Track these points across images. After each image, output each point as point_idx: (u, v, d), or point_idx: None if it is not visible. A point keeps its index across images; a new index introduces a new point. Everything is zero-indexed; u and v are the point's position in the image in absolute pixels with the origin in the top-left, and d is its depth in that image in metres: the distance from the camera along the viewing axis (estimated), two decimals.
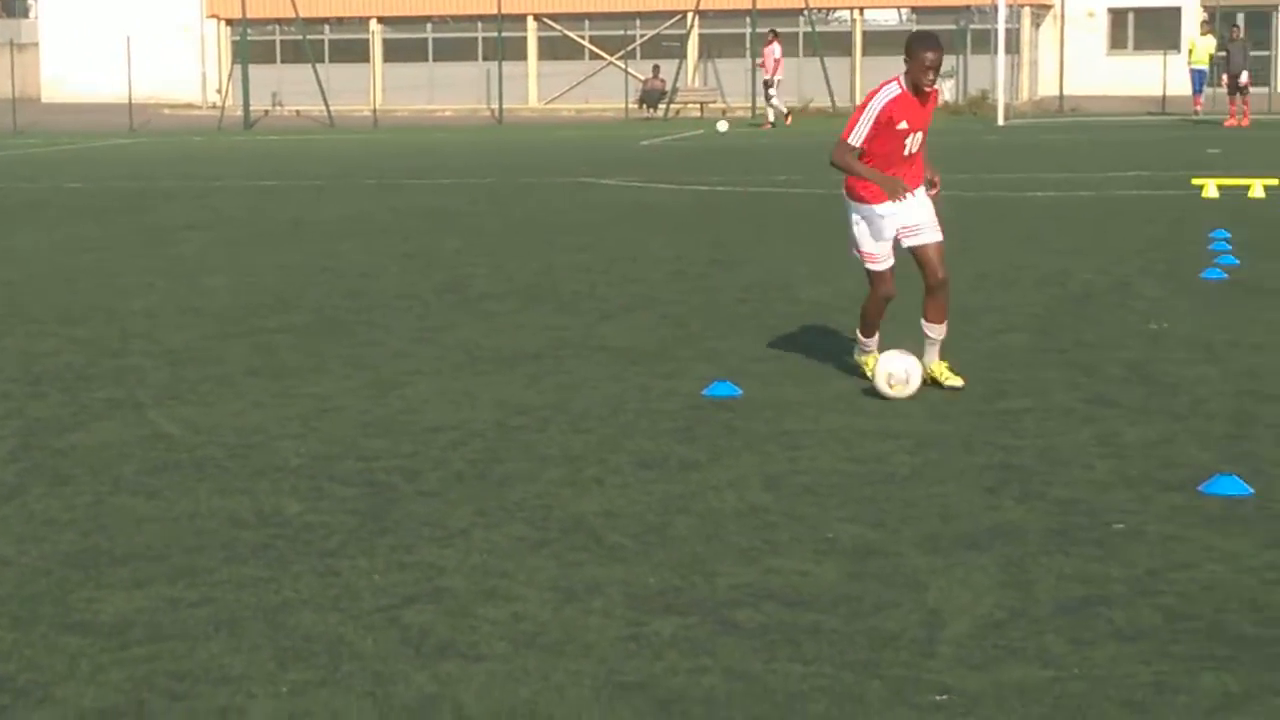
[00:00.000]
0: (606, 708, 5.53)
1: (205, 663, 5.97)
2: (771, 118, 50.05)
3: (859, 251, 10.94)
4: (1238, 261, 16.30)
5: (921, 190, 10.82)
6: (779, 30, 53.55)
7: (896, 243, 10.83)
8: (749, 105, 57.84)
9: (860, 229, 10.88)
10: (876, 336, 11.02)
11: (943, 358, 10.79)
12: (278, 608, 6.54)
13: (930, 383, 10.53)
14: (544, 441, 9.35)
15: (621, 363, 11.72)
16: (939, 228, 10.83)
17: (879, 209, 10.68)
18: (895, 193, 10.40)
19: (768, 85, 50.07)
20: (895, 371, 10.39)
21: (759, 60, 51.46)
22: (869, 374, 10.69)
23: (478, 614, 6.43)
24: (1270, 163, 28.62)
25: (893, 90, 10.59)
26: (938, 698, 5.56)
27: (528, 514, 7.85)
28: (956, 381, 10.64)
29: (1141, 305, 13.93)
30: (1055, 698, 5.55)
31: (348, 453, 9.14)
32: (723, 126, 46.17)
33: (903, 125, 10.48)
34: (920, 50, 10.51)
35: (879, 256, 10.88)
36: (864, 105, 10.63)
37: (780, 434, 9.44)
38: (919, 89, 10.53)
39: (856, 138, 10.55)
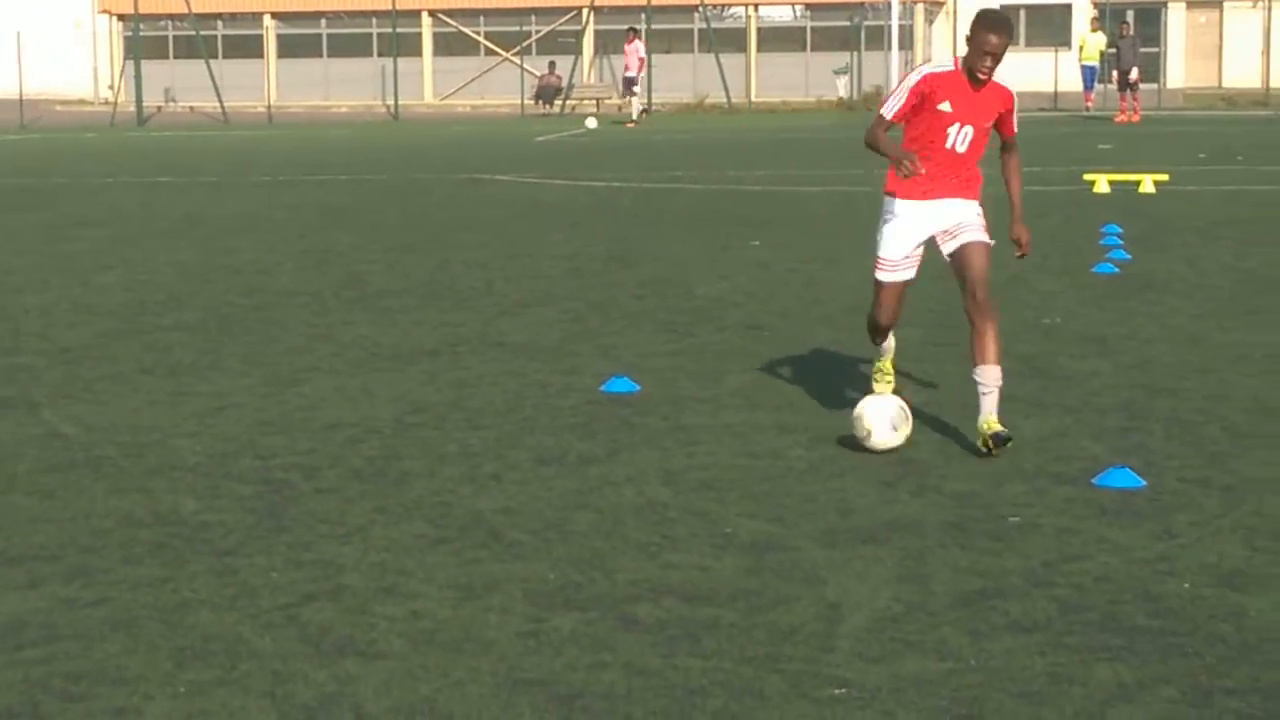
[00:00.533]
0: (506, 704, 5.53)
1: (101, 663, 5.92)
2: (634, 114, 49.48)
3: (875, 256, 9.50)
4: (1129, 256, 16.46)
5: (967, 205, 9.28)
6: (636, 28, 53.65)
7: (925, 260, 9.58)
8: (644, 101, 57.88)
9: (882, 229, 9.41)
10: (890, 340, 9.86)
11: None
12: (175, 607, 6.50)
13: (984, 446, 8.77)
14: (442, 438, 9.33)
15: (519, 359, 11.72)
16: (985, 230, 9.30)
17: (899, 205, 9.30)
18: (904, 167, 8.92)
19: (631, 83, 49.34)
20: (866, 423, 8.90)
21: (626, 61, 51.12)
22: (881, 380, 9.83)
23: (376, 611, 6.41)
24: (1160, 158, 28.94)
25: (942, 66, 9.18)
26: (836, 691, 5.59)
27: (426, 511, 7.83)
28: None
29: (1035, 300, 14.05)
30: (952, 690, 5.59)
31: (244, 451, 9.09)
32: (591, 123, 45.74)
33: (945, 107, 9.04)
34: (981, 32, 8.94)
35: (886, 263, 9.44)
36: (905, 77, 9.35)
37: (678, 429, 9.46)
38: (973, 74, 9.02)
39: (889, 110, 9.23)
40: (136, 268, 17.13)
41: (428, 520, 7.68)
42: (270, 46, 64.76)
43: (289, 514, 7.81)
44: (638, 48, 48.96)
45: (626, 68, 49.80)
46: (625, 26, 61.10)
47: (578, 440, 9.24)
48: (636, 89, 49.08)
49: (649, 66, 57.44)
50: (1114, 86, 48.33)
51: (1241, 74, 61.80)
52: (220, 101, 56.80)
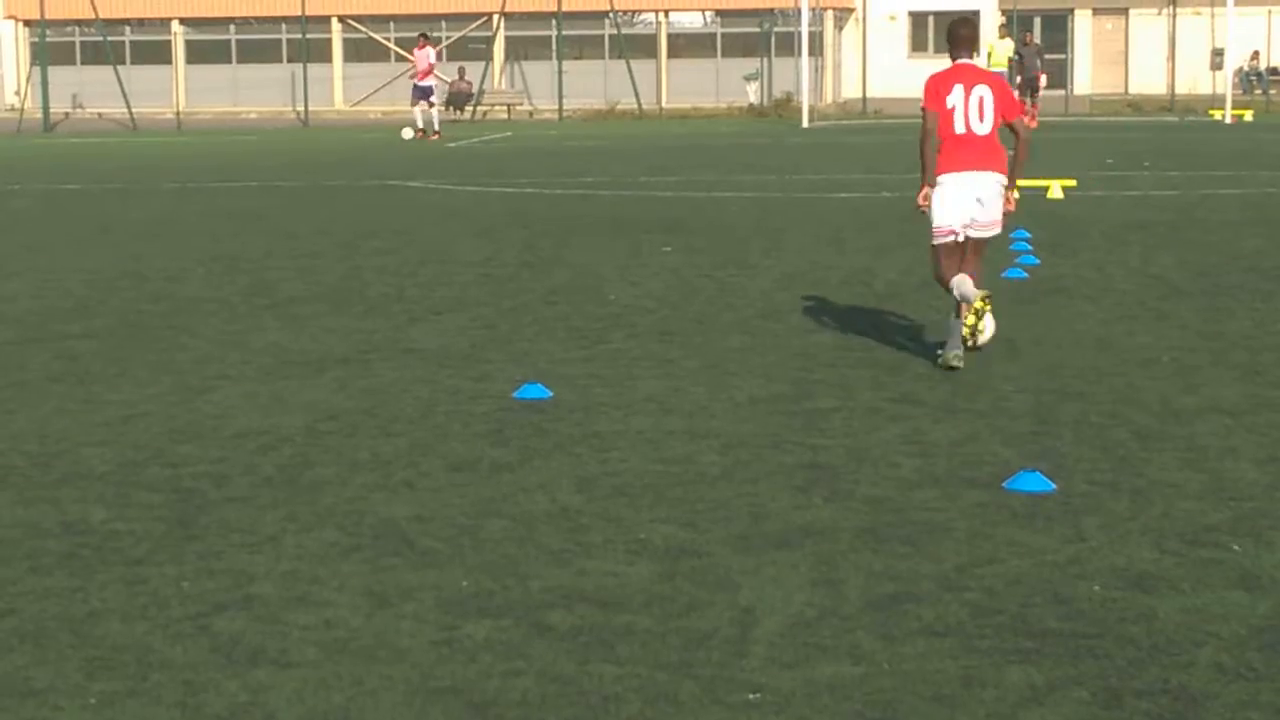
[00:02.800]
0: (420, 712, 5.51)
1: (9, 675, 5.86)
2: (437, 125, 45.80)
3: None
4: (1038, 261, 16.58)
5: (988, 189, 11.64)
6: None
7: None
8: (555, 108, 57.90)
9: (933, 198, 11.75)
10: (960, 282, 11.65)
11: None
12: (84, 618, 6.44)
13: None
14: (354, 446, 9.30)
15: (431, 366, 11.69)
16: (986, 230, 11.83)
17: (942, 178, 11.60)
18: (921, 194, 11.75)
19: (425, 92, 45.81)
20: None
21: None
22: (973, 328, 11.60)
23: (288, 620, 6.38)
24: (1068, 164, 29.16)
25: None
26: (751, 696, 5.59)
27: (338, 519, 7.80)
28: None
29: (945, 304, 14.09)
30: (866, 694, 5.61)
31: (154, 459, 9.03)
32: (407, 134, 44.83)
33: (949, 100, 11.48)
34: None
35: (939, 231, 11.78)
36: None
37: (590, 435, 9.46)
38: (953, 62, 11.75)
39: (927, 103, 11.59)
40: (44, 275, 16.98)
41: (340, 528, 7.65)
42: (179, 52, 64.40)
43: (199, 523, 7.76)
44: (427, 54, 46.18)
45: (419, 76, 46.00)
46: (534, 33, 61.20)
47: (490, 447, 9.22)
48: (433, 99, 45.91)
49: (559, 73, 57.51)
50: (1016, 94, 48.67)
51: (1147, 80, 62.42)
52: (128, 107, 56.42)
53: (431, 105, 45.19)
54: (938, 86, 11.58)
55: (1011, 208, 11.76)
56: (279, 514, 7.89)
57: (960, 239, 11.73)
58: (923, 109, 11.58)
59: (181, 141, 47.05)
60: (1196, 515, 7.67)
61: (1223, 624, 6.19)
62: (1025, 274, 15.73)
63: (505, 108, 60.35)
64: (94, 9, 58.08)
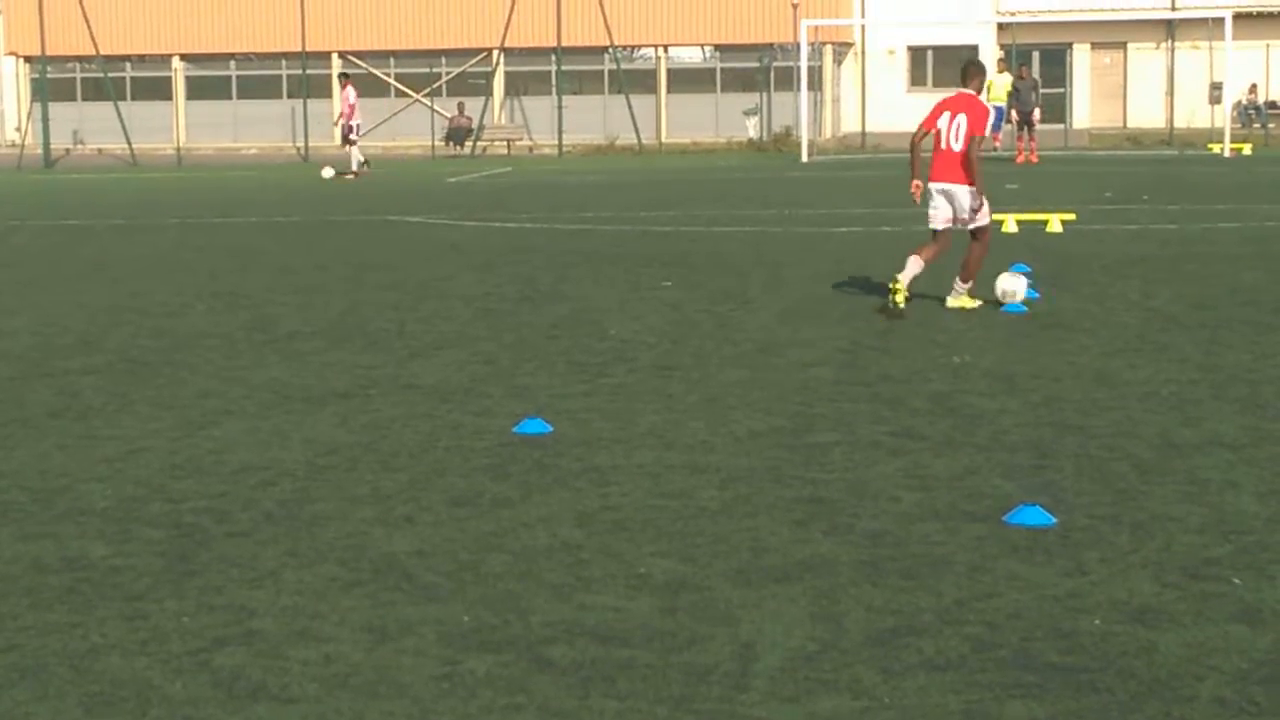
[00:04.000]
0: None
1: (9, 711, 5.86)
2: (354, 166, 45.08)
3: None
4: (1037, 295, 16.58)
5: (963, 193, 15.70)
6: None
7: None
8: (555, 143, 58.01)
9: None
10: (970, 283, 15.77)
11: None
12: (84, 653, 6.44)
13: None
14: (355, 480, 9.30)
15: (432, 400, 11.69)
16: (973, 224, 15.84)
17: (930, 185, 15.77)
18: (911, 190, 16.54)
19: (348, 132, 45.35)
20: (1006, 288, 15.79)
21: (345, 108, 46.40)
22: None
23: (289, 655, 6.38)
24: (1067, 197, 29.20)
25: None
26: None
27: (339, 554, 7.80)
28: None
29: (944, 339, 14.14)
30: None
31: (155, 494, 9.03)
32: (327, 173, 44.21)
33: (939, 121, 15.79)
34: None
35: (931, 218, 16.01)
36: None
37: (591, 470, 9.46)
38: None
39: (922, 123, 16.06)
40: (44, 311, 17.00)
41: (340, 563, 7.64)
42: (179, 88, 64.50)
43: (200, 558, 7.76)
44: (349, 93, 45.35)
45: (343, 115, 45.44)
46: (533, 68, 61.32)
47: (491, 482, 9.22)
48: (354, 137, 45.19)
49: (559, 108, 57.62)
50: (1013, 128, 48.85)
51: (1146, 114, 62.52)
52: (129, 143, 56.52)
53: (351, 144, 44.78)
54: (936, 110, 15.99)
55: (979, 207, 15.83)
56: (279, 549, 7.89)
57: (950, 228, 15.99)
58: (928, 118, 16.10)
59: (182, 177, 47.11)
60: (1197, 549, 7.67)
61: (1224, 658, 6.19)
62: (1024, 308, 15.74)
63: (505, 143, 60.45)
64: (95, 45, 58.18)
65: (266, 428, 10.83)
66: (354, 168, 44.40)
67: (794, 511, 8.47)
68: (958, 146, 15.51)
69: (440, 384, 12.36)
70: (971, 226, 15.81)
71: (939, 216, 15.90)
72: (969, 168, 15.57)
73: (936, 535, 7.97)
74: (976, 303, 15.77)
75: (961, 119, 15.52)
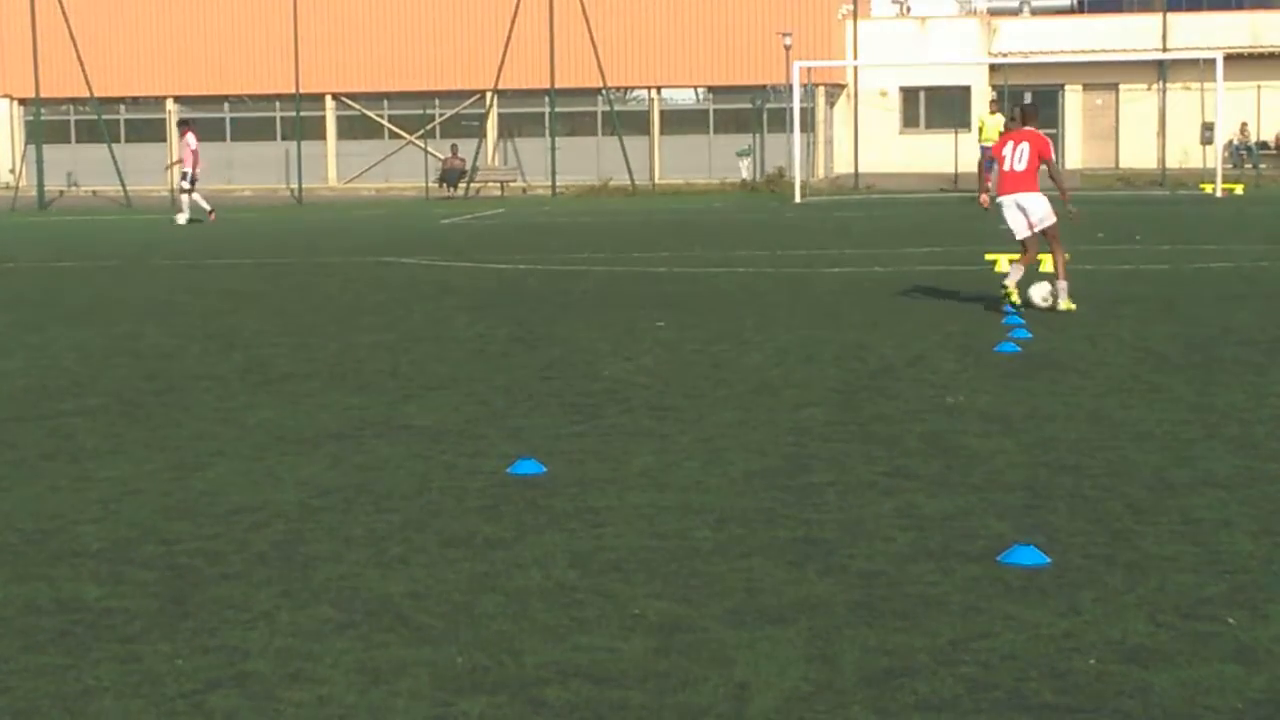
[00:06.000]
0: None
1: None
2: (200, 212, 44.01)
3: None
4: (1030, 335, 16.61)
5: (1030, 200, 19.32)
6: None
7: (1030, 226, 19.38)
8: (548, 184, 58.11)
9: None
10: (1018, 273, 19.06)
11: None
12: (77, 695, 6.42)
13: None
14: (348, 522, 9.29)
15: (425, 442, 11.69)
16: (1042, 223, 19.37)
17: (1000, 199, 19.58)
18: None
19: (186, 179, 44.20)
20: (1043, 292, 19.09)
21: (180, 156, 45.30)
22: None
23: (283, 697, 6.36)
24: (1060, 237, 29.16)
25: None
26: None
27: (333, 595, 7.79)
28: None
29: (938, 379, 14.15)
30: None
31: (148, 536, 9.02)
32: (181, 219, 43.37)
33: (1004, 150, 19.38)
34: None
35: (1013, 232, 19.55)
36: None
37: (585, 511, 9.46)
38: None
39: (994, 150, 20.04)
40: (38, 353, 16.99)
41: (334, 604, 7.63)
42: (173, 130, 64.58)
43: (193, 600, 7.75)
44: (190, 140, 44.33)
45: (182, 161, 44.31)
46: (527, 110, 61.44)
47: (484, 523, 9.21)
48: (185, 185, 44.08)
49: (552, 150, 57.72)
50: None
51: (1138, 154, 62.72)
52: (123, 185, 56.60)
53: (187, 191, 43.95)
54: (1002, 140, 19.70)
55: (1074, 215, 20.01)
56: (273, 590, 7.88)
57: (1031, 234, 19.36)
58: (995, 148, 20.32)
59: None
60: (1192, 588, 7.66)
61: (1219, 697, 6.19)
62: (1018, 348, 15.76)
63: (499, 184, 60.55)
64: (89, 87, 58.30)
65: (260, 469, 10.82)
66: (193, 213, 43.56)
67: (788, 552, 8.47)
68: (1020, 167, 19.17)
69: (434, 425, 12.36)
70: (1040, 227, 19.32)
71: (1019, 227, 19.40)
72: (1037, 181, 19.40)
73: (931, 575, 7.97)
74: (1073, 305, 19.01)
75: (1025, 146, 19.12)
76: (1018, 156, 19.26)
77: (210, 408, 13.35)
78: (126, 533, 9.10)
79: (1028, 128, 19.52)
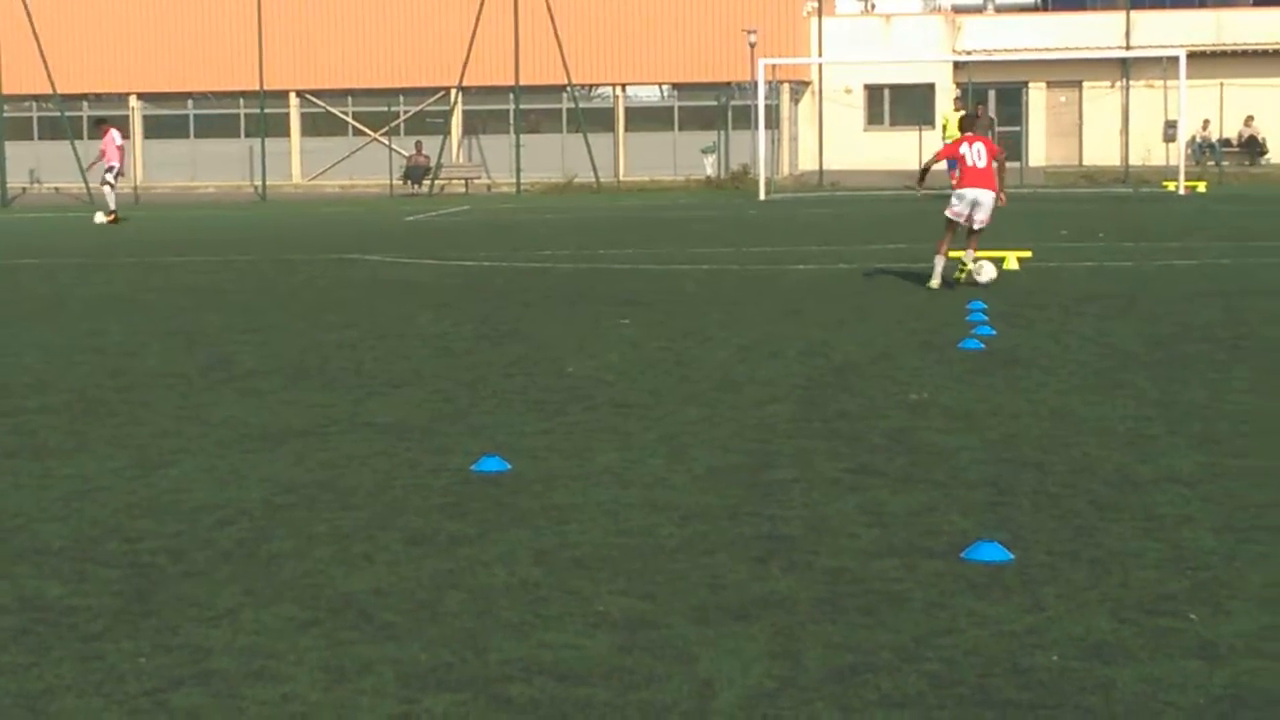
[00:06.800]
0: None
1: None
2: (113, 206, 43.32)
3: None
4: (994, 332, 16.66)
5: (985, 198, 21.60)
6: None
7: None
8: (513, 181, 58.06)
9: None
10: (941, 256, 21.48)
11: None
12: (39, 694, 6.40)
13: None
14: (312, 519, 9.27)
15: (389, 439, 11.67)
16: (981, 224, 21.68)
17: (959, 191, 21.72)
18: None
19: (112, 173, 43.34)
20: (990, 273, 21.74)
21: (100, 152, 43.97)
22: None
23: (246, 695, 6.35)
24: (1023, 235, 29.31)
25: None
26: None
27: (296, 593, 7.77)
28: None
29: (902, 376, 14.17)
30: None
31: (111, 534, 8.99)
32: (99, 219, 42.85)
33: (962, 148, 21.82)
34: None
35: (954, 213, 21.62)
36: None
37: (549, 508, 9.45)
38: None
39: (952, 148, 22.38)
40: (0, 350, 16.92)
41: (298, 602, 7.62)
42: (136, 127, 64.39)
43: (157, 598, 7.72)
44: (115, 136, 43.33)
45: (108, 159, 43.21)
46: (491, 107, 61.37)
47: (449, 520, 9.21)
48: (111, 180, 43.08)
49: (516, 147, 57.68)
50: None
51: (1101, 152, 62.90)
52: (85, 183, 56.38)
53: (108, 185, 43.26)
54: (958, 142, 21.99)
55: (1004, 203, 22.09)
56: (237, 588, 7.86)
57: (967, 224, 21.46)
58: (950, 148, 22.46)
59: (139, 216, 46.97)
60: (1154, 584, 7.69)
61: (1181, 694, 6.21)
62: (982, 345, 15.80)
63: (463, 181, 60.48)
64: (51, 84, 58.08)
65: (224, 467, 10.79)
66: (111, 206, 43.09)
67: (752, 549, 8.48)
68: (981, 164, 21.48)
69: (398, 422, 12.34)
70: (976, 225, 21.60)
71: (962, 215, 21.55)
72: (995, 179, 21.67)
73: (895, 572, 7.98)
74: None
75: (980, 145, 21.62)
76: (976, 154, 21.60)
77: (173, 405, 13.32)
78: (89, 530, 9.08)
79: (978, 133, 22.29)
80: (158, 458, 11.13)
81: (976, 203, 21.48)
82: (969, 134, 21.94)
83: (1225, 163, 60.05)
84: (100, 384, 14.52)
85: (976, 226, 21.56)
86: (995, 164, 21.69)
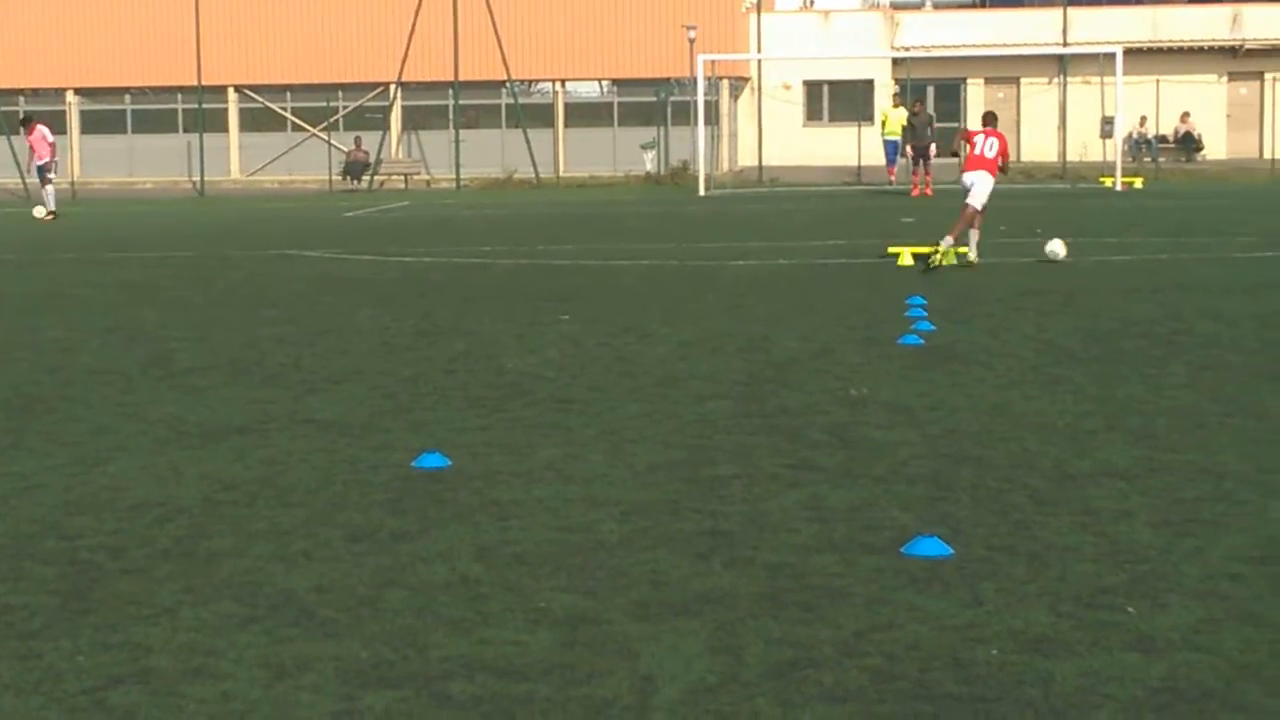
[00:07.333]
0: None
1: None
2: (53, 205, 43.12)
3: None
4: (933, 327, 16.71)
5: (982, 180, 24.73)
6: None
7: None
8: (452, 177, 57.96)
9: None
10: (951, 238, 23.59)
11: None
12: None
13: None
14: (252, 516, 9.24)
15: (329, 435, 11.64)
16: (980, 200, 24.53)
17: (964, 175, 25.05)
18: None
19: (45, 171, 43.22)
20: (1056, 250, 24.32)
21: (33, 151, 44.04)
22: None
23: (185, 693, 6.32)
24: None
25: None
26: None
27: (236, 590, 7.74)
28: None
29: (842, 371, 14.21)
30: None
31: (49, 532, 8.94)
32: (38, 212, 42.32)
33: (976, 139, 25.01)
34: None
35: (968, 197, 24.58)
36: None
37: (490, 504, 9.44)
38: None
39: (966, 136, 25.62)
40: None
41: (237, 599, 7.59)
42: (73, 122, 64.02)
43: (95, 595, 7.68)
44: (44, 132, 43.45)
45: (39, 156, 43.21)
46: (431, 102, 61.23)
47: (389, 516, 9.19)
48: (51, 176, 43.31)
49: (456, 142, 57.58)
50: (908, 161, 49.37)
51: (1039, 147, 63.17)
52: (22, 178, 56.00)
53: (48, 183, 43.12)
54: (975, 132, 25.18)
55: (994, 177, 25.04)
56: (176, 586, 7.82)
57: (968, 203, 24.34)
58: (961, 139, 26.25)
59: (76, 212, 46.71)
60: (1092, 578, 7.73)
61: (1119, 686, 6.24)
62: (921, 340, 15.85)
63: (402, 177, 60.34)
64: None
65: (162, 463, 10.74)
66: (51, 206, 42.76)
67: (693, 544, 8.49)
68: (989, 155, 24.66)
69: (338, 419, 12.31)
70: (970, 200, 24.41)
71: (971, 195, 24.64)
72: (996, 168, 24.84)
73: (835, 567, 8.00)
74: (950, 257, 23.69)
75: (994, 140, 24.72)
76: (987, 146, 24.78)
77: (111, 402, 13.25)
78: (27, 528, 9.02)
79: (998, 129, 25.43)
80: (95, 455, 11.07)
81: (972, 183, 24.55)
82: (988, 128, 25.18)
83: (1161, 159, 60.39)
84: (37, 380, 14.43)
85: (971, 201, 24.32)
86: (1002, 160, 24.82)
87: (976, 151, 24.67)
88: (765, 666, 6.53)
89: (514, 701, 6.17)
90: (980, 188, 24.48)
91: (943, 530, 8.54)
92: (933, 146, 48.37)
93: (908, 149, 48.97)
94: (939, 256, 23.53)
